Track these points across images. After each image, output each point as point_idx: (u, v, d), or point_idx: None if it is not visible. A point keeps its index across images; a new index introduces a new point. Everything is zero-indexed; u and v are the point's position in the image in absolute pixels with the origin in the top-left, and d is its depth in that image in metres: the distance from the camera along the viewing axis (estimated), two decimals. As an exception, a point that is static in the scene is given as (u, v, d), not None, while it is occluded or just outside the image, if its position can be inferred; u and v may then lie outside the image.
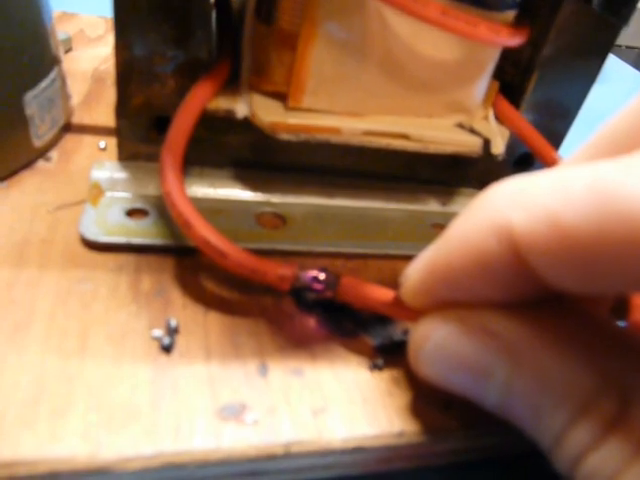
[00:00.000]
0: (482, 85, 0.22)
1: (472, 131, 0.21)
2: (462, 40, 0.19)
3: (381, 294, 0.17)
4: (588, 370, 0.13)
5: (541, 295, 0.14)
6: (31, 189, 0.21)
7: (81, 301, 0.17)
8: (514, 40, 0.20)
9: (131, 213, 0.20)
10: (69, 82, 0.25)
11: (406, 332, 0.18)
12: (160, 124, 0.21)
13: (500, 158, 0.23)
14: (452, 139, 0.21)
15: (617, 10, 0.20)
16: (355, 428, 0.16)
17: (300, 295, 0.19)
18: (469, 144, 0.21)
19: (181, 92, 0.20)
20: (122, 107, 0.21)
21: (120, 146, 0.22)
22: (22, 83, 0.21)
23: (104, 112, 0.26)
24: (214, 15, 0.21)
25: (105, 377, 0.15)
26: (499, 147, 0.22)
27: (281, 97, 0.21)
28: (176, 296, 0.18)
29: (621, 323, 0.18)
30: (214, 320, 0.18)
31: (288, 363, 0.17)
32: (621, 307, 0.18)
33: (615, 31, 0.22)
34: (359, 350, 0.18)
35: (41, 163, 0.22)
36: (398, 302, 0.17)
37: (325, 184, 0.23)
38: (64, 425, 0.14)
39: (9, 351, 0.15)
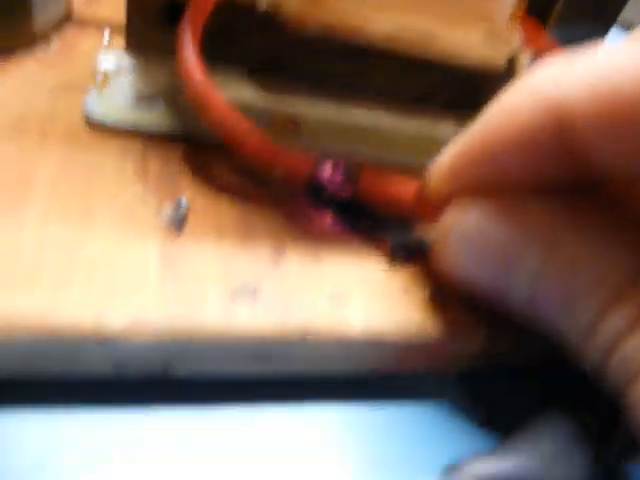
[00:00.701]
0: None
1: (499, 42, 0.20)
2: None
3: (404, 189, 0.16)
4: (624, 256, 0.13)
5: (577, 183, 0.14)
6: (30, 70, 0.20)
7: (84, 178, 0.16)
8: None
9: (139, 101, 0.19)
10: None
11: (425, 236, 0.18)
12: (173, 13, 0.20)
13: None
14: (477, 49, 0.20)
15: None
16: (374, 318, 0.15)
17: (317, 193, 0.18)
18: (494, 56, 0.20)
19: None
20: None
21: (128, 34, 0.20)
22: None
23: (108, 9, 0.25)
24: None
25: (110, 249, 0.14)
26: (523, 65, 0.21)
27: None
28: (186, 183, 0.17)
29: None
30: (226, 207, 0.17)
31: (304, 251, 0.16)
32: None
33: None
34: (377, 247, 0.17)
35: (42, 48, 0.21)
36: (422, 198, 0.16)
37: (341, 97, 0.22)
38: (67, 292, 0.13)
39: (6, 219, 0.14)
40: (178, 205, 0.16)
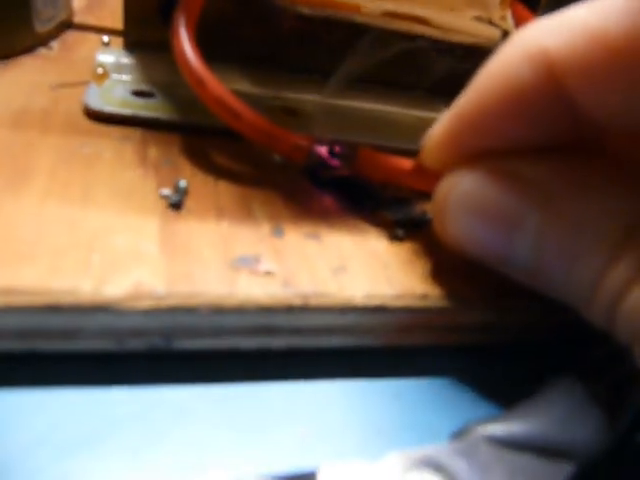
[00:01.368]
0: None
1: (491, 24, 0.21)
2: None
3: (401, 163, 0.16)
4: (624, 208, 0.13)
5: (574, 138, 0.14)
6: (31, 69, 0.20)
7: (84, 162, 0.16)
8: None
9: (137, 94, 0.19)
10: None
11: (425, 213, 0.18)
12: (169, 10, 0.20)
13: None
14: (472, 28, 0.20)
15: None
16: (376, 287, 0.15)
17: (315, 174, 0.18)
18: (488, 35, 0.20)
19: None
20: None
21: (126, 32, 0.21)
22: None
23: (107, 14, 0.25)
24: None
25: (109, 225, 0.14)
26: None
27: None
28: (184, 166, 0.17)
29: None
30: (225, 188, 0.17)
31: (304, 228, 0.16)
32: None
33: None
34: (378, 223, 0.17)
35: (42, 51, 0.21)
36: (419, 170, 0.16)
37: (337, 86, 0.23)
38: (66, 262, 0.13)
39: (7, 196, 0.14)
40: (177, 186, 0.16)
